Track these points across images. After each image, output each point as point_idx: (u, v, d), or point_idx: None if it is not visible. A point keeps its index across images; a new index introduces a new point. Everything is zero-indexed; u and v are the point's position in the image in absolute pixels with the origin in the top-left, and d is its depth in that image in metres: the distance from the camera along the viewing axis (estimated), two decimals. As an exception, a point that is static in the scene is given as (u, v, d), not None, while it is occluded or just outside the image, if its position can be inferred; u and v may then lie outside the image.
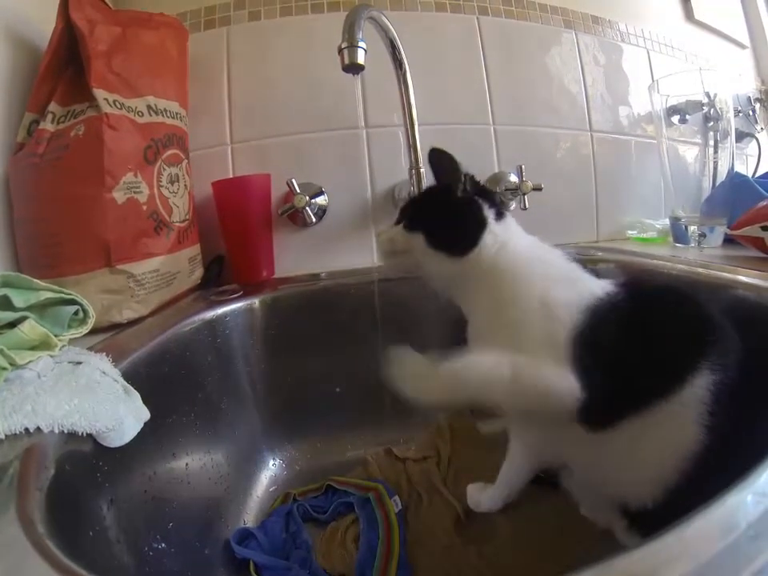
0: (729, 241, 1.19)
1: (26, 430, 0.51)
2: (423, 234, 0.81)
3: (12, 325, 0.64)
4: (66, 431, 0.54)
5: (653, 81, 1.53)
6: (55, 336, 0.67)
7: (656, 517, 0.63)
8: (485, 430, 1.05)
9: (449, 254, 0.78)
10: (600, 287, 0.70)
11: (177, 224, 1.12)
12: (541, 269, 0.74)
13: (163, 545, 0.70)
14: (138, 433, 0.65)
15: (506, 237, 0.78)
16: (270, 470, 1.13)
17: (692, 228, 1.28)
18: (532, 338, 0.69)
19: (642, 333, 0.66)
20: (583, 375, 0.65)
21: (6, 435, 0.49)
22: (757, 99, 2.11)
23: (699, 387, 0.63)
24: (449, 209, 0.83)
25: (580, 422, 0.67)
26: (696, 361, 0.65)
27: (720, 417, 0.63)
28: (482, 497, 0.92)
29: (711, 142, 1.32)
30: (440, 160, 0.87)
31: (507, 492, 0.90)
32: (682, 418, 0.64)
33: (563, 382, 0.66)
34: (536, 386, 0.66)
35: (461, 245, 0.78)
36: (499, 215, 0.81)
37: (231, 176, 1.40)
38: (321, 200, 1.40)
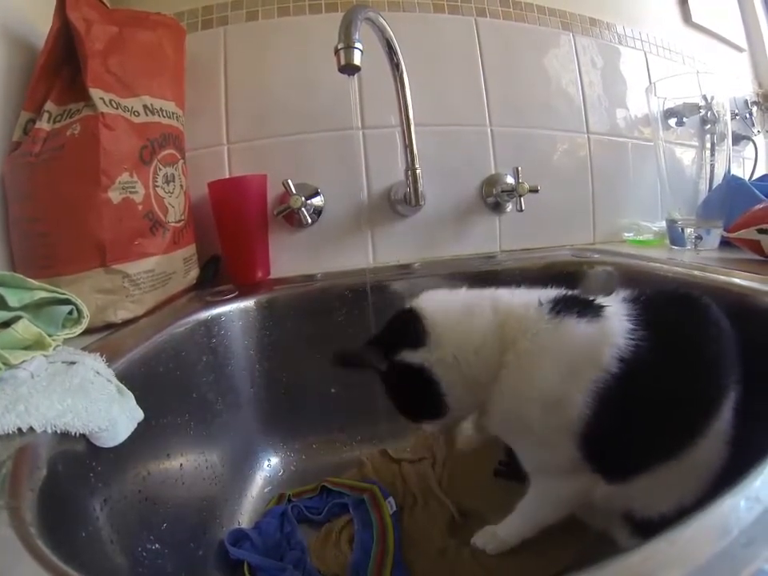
0: (725, 243, 1.19)
1: (19, 429, 0.51)
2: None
3: (6, 324, 0.64)
4: (59, 431, 0.53)
5: (650, 83, 1.52)
6: (49, 336, 0.67)
7: (664, 524, 0.64)
8: (480, 433, 1.04)
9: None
10: (612, 345, 0.64)
11: (172, 224, 1.12)
12: (540, 353, 0.66)
13: (157, 545, 0.70)
14: (132, 433, 0.65)
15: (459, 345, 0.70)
16: (265, 470, 1.13)
17: (688, 230, 1.29)
18: (543, 434, 0.68)
19: (672, 382, 0.63)
20: (606, 450, 0.66)
21: (-2, 435, 0.49)
22: (754, 102, 2.11)
23: (721, 410, 0.64)
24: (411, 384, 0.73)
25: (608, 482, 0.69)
26: (725, 390, 0.64)
27: (737, 429, 0.64)
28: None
29: (708, 145, 1.33)
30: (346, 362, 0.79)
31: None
32: (710, 443, 0.63)
33: (584, 486, 0.70)
34: (566, 504, 0.74)
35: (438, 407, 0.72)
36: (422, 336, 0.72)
37: (227, 176, 1.40)
38: (317, 201, 1.40)
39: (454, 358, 0.69)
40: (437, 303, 0.76)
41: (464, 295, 0.77)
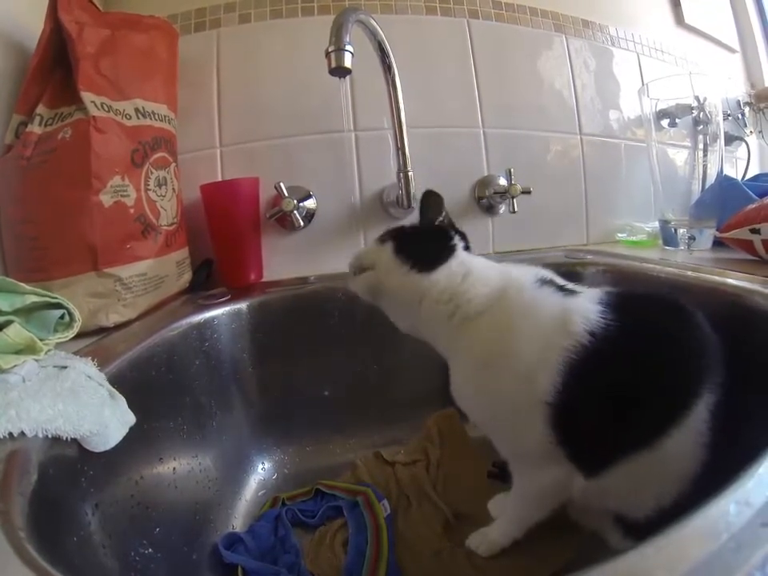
0: (718, 243, 1.20)
1: (10, 434, 0.50)
2: (392, 243, 0.82)
3: (-3, 329, 0.63)
4: (50, 436, 0.53)
5: (643, 84, 1.53)
6: (41, 340, 0.67)
7: (654, 524, 0.63)
8: (474, 435, 1.05)
9: (414, 267, 0.79)
10: (583, 316, 0.67)
11: (164, 227, 1.11)
12: (517, 314, 0.71)
13: (150, 550, 0.69)
14: (124, 437, 0.65)
15: (472, 265, 0.79)
16: (259, 473, 1.13)
17: (681, 231, 1.29)
18: (514, 409, 0.70)
19: (643, 368, 0.65)
20: (577, 433, 0.66)
21: (-11, 440, 0.49)
22: (746, 103, 2.12)
23: (701, 411, 0.64)
24: (423, 231, 0.88)
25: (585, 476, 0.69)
26: (699, 387, 0.65)
27: (717, 431, 0.64)
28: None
29: (701, 146, 1.33)
30: (428, 200, 0.91)
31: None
32: (683, 439, 0.64)
33: (560, 477, 0.71)
34: (545, 497, 0.75)
35: (427, 259, 0.79)
36: (467, 249, 0.85)
37: (220, 179, 1.40)
38: (309, 203, 1.40)
39: (461, 290, 0.76)
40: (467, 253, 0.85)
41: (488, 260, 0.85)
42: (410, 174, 1.28)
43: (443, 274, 0.77)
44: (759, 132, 2.15)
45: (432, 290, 0.77)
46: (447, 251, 0.80)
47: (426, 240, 0.84)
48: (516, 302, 0.71)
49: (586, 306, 0.68)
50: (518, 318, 0.69)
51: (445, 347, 0.80)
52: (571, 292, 0.72)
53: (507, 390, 0.68)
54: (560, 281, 0.76)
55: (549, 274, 0.77)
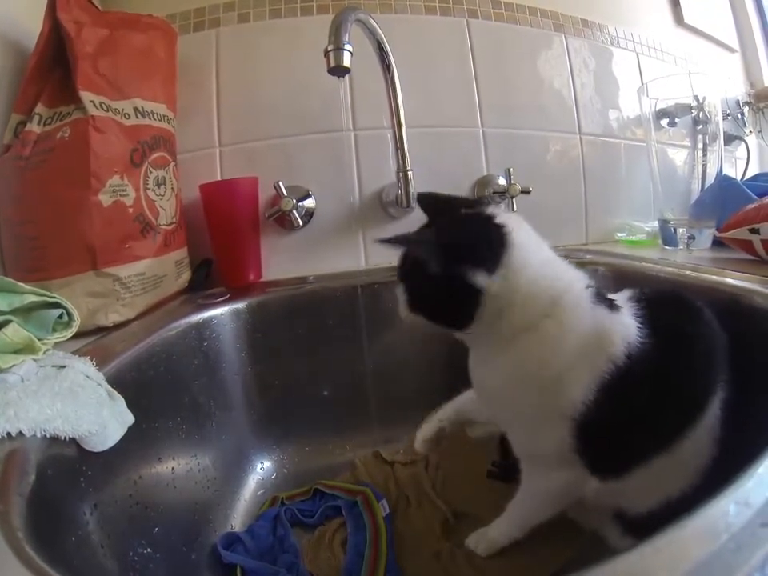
0: (717, 243, 1.19)
1: (8, 434, 0.50)
2: (424, 318, 0.71)
3: (-5, 328, 0.63)
4: (48, 436, 0.53)
5: (642, 84, 1.53)
6: (39, 340, 0.66)
7: (654, 521, 0.63)
8: (473, 435, 1.05)
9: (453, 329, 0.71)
10: (623, 337, 0.65)
11: (163, 227, 1.11)
12: (570, 335, 0.65)
13: (149, 550, 0.69)
14: (123, 437, 0.65)
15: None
16: (258, 473, 1.13)
17: (681, 230, 1.29)
18: (541, 418, 0.69)
19: (670, 380, 0.65)
20: (600, 444, 0.66)
21: (-12, 439, 0.49)
22: (745, 103, 2.12)
23: (714, 408, 0.65)
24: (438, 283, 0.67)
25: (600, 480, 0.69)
26: (714, 386, 0.66)
27: (726, 427, 0.65)
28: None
29: (700, 145, 1.33)
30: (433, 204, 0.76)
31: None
32: (698, 440, 0.64)
33: (571, 482, 0.71)
34: (553, 500, 0.75)
35: (458, 321, 0.69)
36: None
37: (219, 179, 1.39)
38: (308, 203, 1.40)
39: (513, 301, 0.65)
40: (527, 234, 0.74)
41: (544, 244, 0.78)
42: (409, 173, 1.28)
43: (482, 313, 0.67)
44: (758, 132, 2.15)
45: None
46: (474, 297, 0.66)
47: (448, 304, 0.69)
48: (571, 320, 0.66)
49: (627, 324, 0.67)
50: (569, 338, 0.66)
51: (484, 349, 0.74)
52: (618, 309, 0.69)
53: (539, 400, 0.67)
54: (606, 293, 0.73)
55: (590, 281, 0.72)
